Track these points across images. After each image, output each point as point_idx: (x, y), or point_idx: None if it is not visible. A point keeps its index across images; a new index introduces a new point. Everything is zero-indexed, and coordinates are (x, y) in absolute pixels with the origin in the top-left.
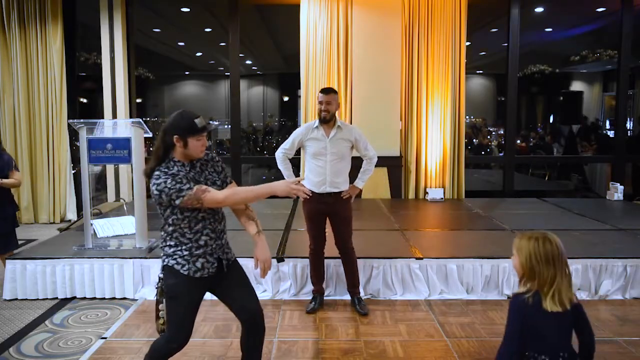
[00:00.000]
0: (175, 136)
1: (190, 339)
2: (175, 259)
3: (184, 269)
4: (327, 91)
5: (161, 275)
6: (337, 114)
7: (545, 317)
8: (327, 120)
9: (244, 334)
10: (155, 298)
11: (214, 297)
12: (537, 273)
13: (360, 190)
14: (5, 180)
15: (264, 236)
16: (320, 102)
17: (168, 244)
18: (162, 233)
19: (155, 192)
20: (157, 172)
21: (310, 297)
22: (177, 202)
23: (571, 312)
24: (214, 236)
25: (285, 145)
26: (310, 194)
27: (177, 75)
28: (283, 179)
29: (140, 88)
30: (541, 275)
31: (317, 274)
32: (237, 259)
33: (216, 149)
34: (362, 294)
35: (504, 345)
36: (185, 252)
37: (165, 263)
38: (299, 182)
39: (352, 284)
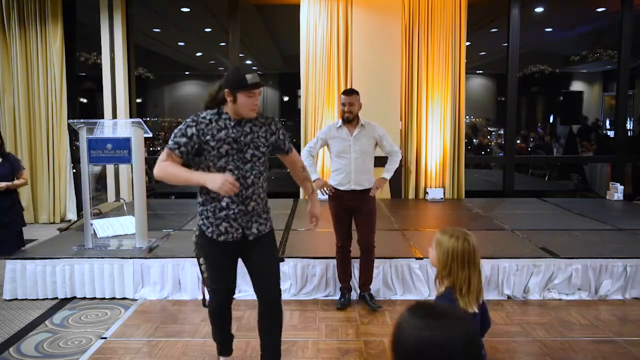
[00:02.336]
0: (226, 90)
1: (235, 290)
2: (202, 219)
3: (209, 231)
4: (349, 92)
5: (196, 231)
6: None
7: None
8: (350, 120)
9: (259, 315)
10: (195, 252)
11: None
12: (453, 271)
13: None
14: (16, 182)
15: (316, 195)
16: (343, 104)
17: (198, 200)
18: None
19: None
20: (195, 114)
21: (310, 297)
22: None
23: (480, 308)
24: (237, 200)
25: (311, 143)
26: (334, 191)
27: (177, 75)
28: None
29: (140, 88)
30: (456, 275)
31: (344, 270)
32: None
33: None
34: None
35: None
36: (210, 213)
37: (198, 222)
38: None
39: (365, 281)
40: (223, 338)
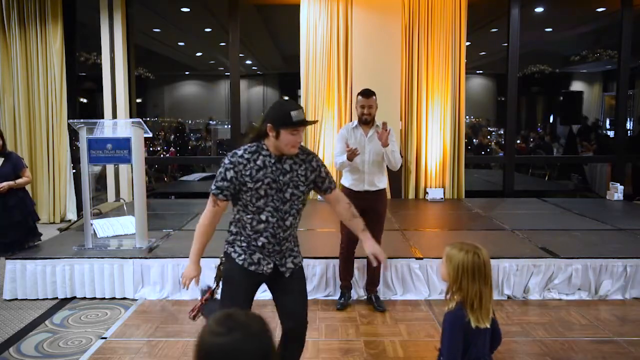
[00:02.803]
0: (268, 124)
1: None
2: (233, 246)
3: (240, 258)
4: (368, 94)
5: (222, 259)
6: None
7: (476, 330)
8: (368, 122)
9: (281, 343)
10: (215, 283)
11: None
12: (463, 286)
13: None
14: (19, 181)
15: (368, 233)
16: (363, 106)
17: (230, 229)
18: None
19: None
20: (233, 152)
21: (310, 298)
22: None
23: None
24: (274, 241)
25: (337, 150)
26: (348, 188)
27: (177, 75)
28: None
29: (140, 88)
30: (467, 290)
31: (347, 270)
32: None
33: (216, 149)
34: (362, 293)
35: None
36: (244, 243)
37: (225, 249)
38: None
39: (372, 282)
40: None
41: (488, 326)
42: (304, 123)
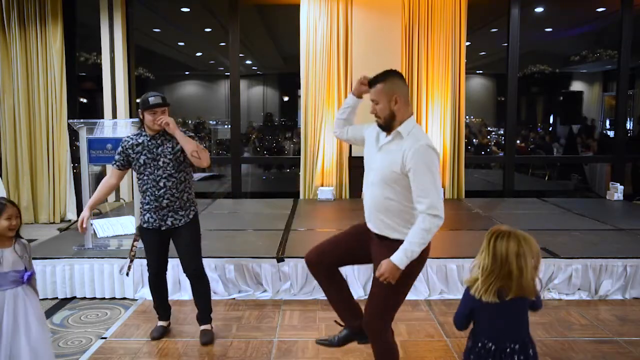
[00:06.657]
0: (139, 110)
1: (161, 272)
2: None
3: (141, 218)
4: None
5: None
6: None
7: (488, 307)
8: None
9: (191, 287)
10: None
11: (214, 298)
12: (480, 262)
13: None
14: None
15: None
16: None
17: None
18: None
19: None
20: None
21: (310, 297)
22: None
23: (522, 304)
24: (153, 198)
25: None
26: None
27: (177, 75)
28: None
29: (140, 88)
30: (482, 266)
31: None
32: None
33: (216, 149)
34: (362, 294)
35: (456, 314)
36: (141, 206)
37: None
38: None
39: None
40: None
41: (489, 300)
42: (157, 104)
